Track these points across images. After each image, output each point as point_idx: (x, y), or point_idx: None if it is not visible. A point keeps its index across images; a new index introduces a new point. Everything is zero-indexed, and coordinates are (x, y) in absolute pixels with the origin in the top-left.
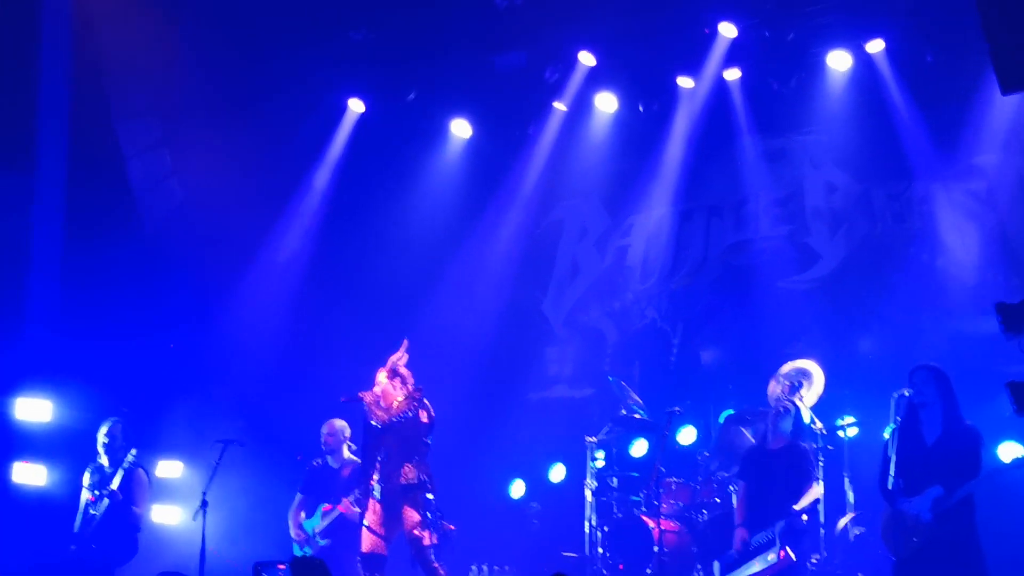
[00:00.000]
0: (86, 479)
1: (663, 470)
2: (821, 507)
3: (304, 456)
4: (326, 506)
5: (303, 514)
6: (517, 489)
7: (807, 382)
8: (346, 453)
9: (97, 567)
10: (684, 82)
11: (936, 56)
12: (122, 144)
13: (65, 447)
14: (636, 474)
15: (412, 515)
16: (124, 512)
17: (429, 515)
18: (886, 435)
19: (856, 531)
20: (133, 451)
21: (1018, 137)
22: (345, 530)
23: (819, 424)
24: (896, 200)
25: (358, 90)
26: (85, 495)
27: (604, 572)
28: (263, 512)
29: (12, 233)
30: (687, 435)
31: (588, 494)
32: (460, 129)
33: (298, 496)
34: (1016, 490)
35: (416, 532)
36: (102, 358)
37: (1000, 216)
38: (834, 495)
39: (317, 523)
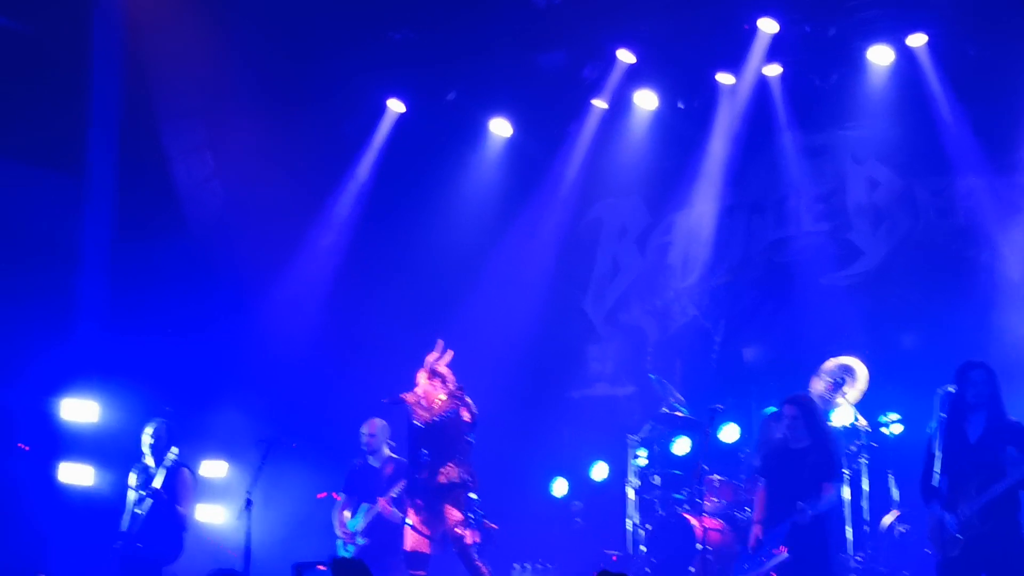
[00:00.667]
0: (132, 479)
1: (706, 468)
2: (848, 509)
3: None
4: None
5: (347, 513)
6: (559, 487)
7: (850, 379)
8: (386, 452)
9: (143, 566)
10: (724, 79)
11: (978, 50)
12: (166, 146)
13: (112, 447)
14: (679, 472)
15: (454, 514)
16: (169, 511)
17: (471, 514)
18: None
19: (901, 528)
20: (175, 449)
21: None
22: (386, 529)
23: (863, 421)
24: (939, 195)
25: (398, 90)
26: (131, 495)
27: (647, 571)
28: (308, 511)
29: (63, 235)
30: (730, 433)
31: (630, 492)
32: (499, 128)
33: (342, 496)
34: None
35: (458, 531)
36: (148, 358)
37: None
38: (879, 493)
39: (359, 522)
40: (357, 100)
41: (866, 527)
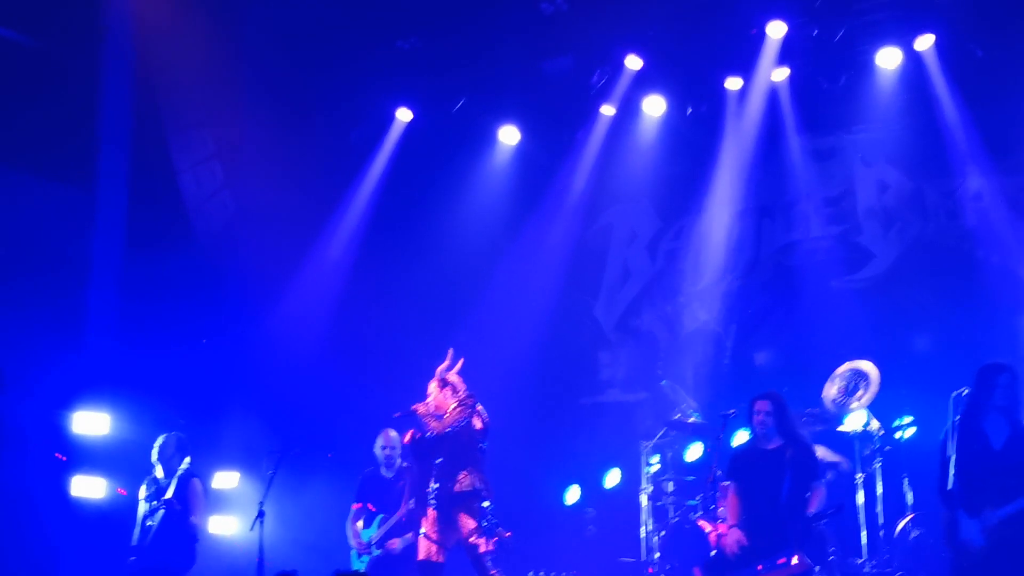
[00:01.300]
0: (142, 492)
1: (719, 473)
2: (862, 513)
3: (334, 453)
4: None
5: (360, 523)
6: (572, 495)
7: (863, 382)
8: (399, 463)
9: None
10: (732, 83)
11: (986, 51)
12: (175, 157)
13: (124, 460)
14: (692, 478)
15: (468, 522)
16: (181, 522)
17: (485, 522)
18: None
19: (915, 532)
20: (187, 459)
21: None
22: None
23: (876, 424)
24: (949, 197)
25: (406, 99)
26: (142, 507)
27: None
28: (320, 522)
29: (73, 248)
30: (743, 438)
31: (644, 499)
32: (508, 135)
33: (354, 506)
34: None
35: (472, 539)
36: (159, 369)
37: None
38: (893, 496)
39: (373, 532)
40: (365, 109)
41: (881, 531)
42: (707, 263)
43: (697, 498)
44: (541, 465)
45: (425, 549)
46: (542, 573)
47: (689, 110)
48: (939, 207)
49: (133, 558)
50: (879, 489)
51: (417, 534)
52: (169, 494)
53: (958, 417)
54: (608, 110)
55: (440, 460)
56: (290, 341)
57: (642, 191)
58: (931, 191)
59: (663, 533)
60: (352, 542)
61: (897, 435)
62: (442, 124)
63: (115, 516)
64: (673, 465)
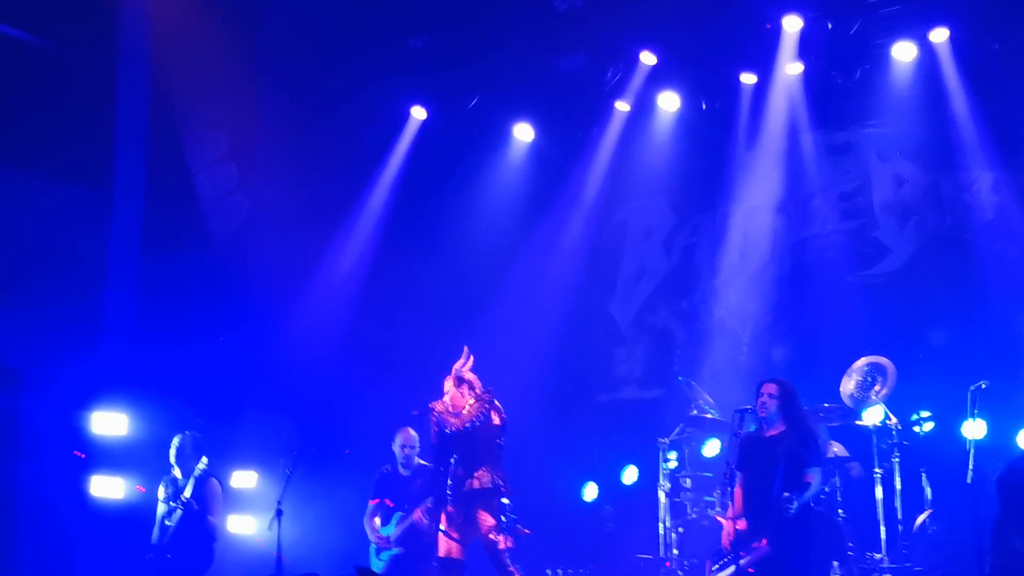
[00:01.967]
0: (160, 492)
1: (732, 466)
2: (880, 508)
3: (352, 450)
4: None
5: (378, 520)
6: (590, 492)
7: (881, 377)
8: (417, 460)
9: None
10: (747, 78)
11: (1002, 44)
12: (190, 158)
13: (142, 460)
14: (709, 474)
15: (487, 519)
16: (200, 521)
17: (504, 519)
18: (963, 430)
19: (933, 528)
20: (204, 459)
21: None
22: (419, 538)
23: (894, 419)
24: (966, 191)
25: (420, 98)
26: (161, 508)
27: (679, 573)
28: (338, 520)
29: (90, 249)
30: None
31: (661, 495)
32: (522, 133)
33: (371, 502)
34: None
35: (492, 536)
36: (176, 370)
37: None
38: (911, 491)
39: (392, 530)
40: (380, 108)
41: (899, 526)
42: (723, 259)
43: (715, 494)
44: (558, 462)
45: (445, 546)
46: (560, 570)
47: (704, 106)
48: (956, 201)
49: (150, 556)
50: (897, 484)
51: (436, 528)
52: (187, 494)
53: (977, 411)
54: (623, 106)
55: (458, 457)
56: (307, 340)
57: (657, 187)
58: (947, 185)
59: (681, 530)
60: (372, 537)
61: (915, 430)
62: (456, 122)
63: (133, 516)
64: (691, 461)
